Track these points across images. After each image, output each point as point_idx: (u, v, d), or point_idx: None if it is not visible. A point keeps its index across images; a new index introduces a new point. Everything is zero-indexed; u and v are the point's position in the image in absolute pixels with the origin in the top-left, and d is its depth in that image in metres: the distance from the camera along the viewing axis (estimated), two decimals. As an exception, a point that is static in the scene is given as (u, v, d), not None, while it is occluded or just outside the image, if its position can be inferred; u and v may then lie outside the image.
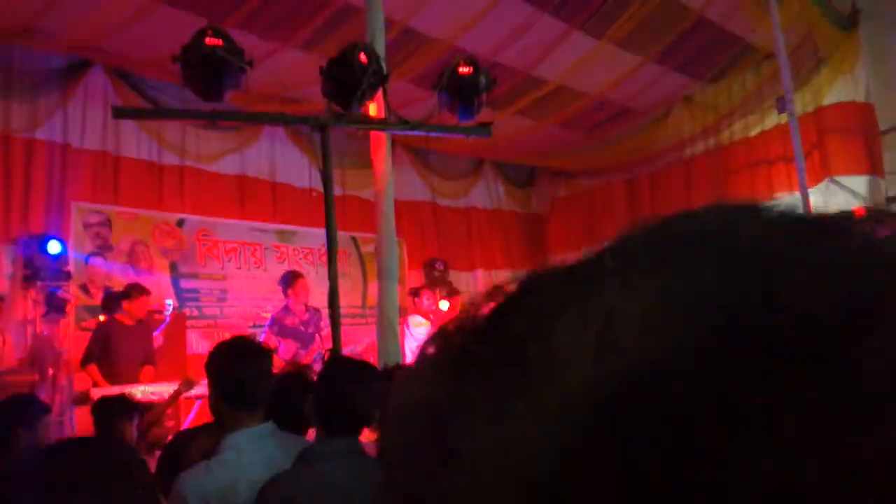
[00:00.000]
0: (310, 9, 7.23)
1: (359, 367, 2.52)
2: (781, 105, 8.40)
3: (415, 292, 8.46)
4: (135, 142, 8.35)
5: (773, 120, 10.00)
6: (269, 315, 7.57)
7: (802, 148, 8.98)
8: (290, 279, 7.40)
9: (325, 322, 7.48)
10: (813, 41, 9.08)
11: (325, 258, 9.38)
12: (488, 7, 7.61)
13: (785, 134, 9.06)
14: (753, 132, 10.74)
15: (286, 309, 7.34)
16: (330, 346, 4.80)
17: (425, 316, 8.06)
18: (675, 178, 11.63)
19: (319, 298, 6.37)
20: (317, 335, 7.29)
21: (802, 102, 9.66)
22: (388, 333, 3.77)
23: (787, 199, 9.92)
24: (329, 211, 3.30)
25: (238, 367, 2.44)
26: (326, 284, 7.25)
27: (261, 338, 7.19)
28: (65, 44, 7.41)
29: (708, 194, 11.17)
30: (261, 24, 7.28)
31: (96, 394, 5.84)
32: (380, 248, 4.06)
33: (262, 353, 2.56)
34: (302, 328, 7.28)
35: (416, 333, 7.75)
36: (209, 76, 3.12)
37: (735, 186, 10.94)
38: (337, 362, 2.69)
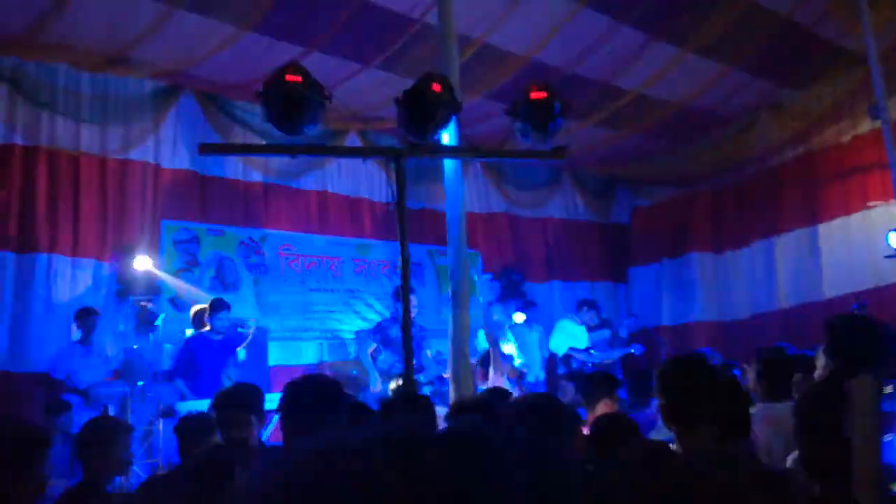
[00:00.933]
0: (391, 30, 7.36)
1: None
2: (874, 112, 8.05)
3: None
4: (221, 160, 8.67)
5: (867, 125, 9.58)
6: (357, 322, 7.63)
7: (899, 155, 8.59)
8: (398, 293, 7.43)
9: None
10: (908, 44, 8.66)
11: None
12: (566, 20, 7.57)
13: (879, 139, 8.68)
14: (845, 138, 10.32)
15: (393, 320, 7.41)
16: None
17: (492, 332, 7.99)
18: (763, 187, 11.28)
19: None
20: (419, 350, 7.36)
21: (896, 107, 9.23)
22: (460, 359, 3.80)
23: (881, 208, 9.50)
24: (403, 239, 3.36)
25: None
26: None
27: (361, 341, 7.39)
28: (157, 70, 7.78)
29: (797, 203, 10.79)
30: (343, 46, 7.46)
31: (183, 407, 6.10)
32: (453, 273, 4.10)
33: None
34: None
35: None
36: (290, 112, 3.23)
37: (826, 196, 10.54)
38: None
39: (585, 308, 9.85)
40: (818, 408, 1.84)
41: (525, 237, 11.83)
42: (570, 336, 9.53)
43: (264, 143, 7.01)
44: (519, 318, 9.43)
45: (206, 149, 4.71)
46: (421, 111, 3.41)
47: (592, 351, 9.48)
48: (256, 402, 3.12)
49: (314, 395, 2.67)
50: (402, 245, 3.47)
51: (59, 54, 7.25)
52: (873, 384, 1.01)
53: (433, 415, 2.89)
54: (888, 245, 8.88)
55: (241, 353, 7.21)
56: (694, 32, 8.01)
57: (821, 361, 3.22)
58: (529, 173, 11.75)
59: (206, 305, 7.23)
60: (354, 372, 8.19)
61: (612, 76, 8.68)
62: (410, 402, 3.01)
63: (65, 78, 7.59)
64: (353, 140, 9.49)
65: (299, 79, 3.20)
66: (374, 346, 7.48)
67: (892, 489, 1.01)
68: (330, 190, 9.67)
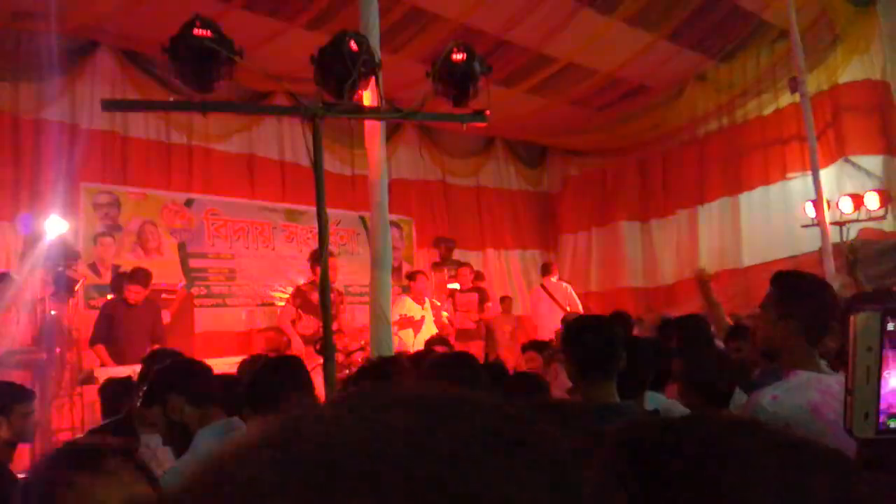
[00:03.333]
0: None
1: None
2: (794, 85, 8.28)
3: (410, 276, 8.43)
4: (143, 121, 8.37)
5: (787, 98, 9.84)
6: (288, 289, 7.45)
7: (817, 127, 8.86)
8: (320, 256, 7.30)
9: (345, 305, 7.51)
10: (828, 19, 8.91)
11: (337, 238, 9.46)
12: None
13: (800, 112, 8.93)
14: (767, 111, 10.58)
15: (313, 284, 7.28)
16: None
17: (418, 299, 8.04)
18: (688, 157, 11.52)
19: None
20: (338, 316, 7.28)
21: (817, 81, 9.50)
22: (381, 323, 3.79)
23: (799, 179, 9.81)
24: (320, 202, 3.30)
25: None
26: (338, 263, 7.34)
27: (284, 312, 7.27)
28: (70, 25, 7.42)
29: (720, 173, 11.06)
30: (266, 4, 7.25)
31: (102, 373, 5.93)
32: (373, 236, 4.06)
33: None
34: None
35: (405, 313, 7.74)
36: (198, 68, 3.12)
37: (748, 165, 10.82)
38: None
39: None
40: None
41: (459, 205, 11.84)
42: None
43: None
44: (454, 285, 9.48)
45: (109, 105, 4.51)
46: (336, 69, 3.33)
47: None
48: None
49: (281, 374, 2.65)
50: (319, 206, 3.41)
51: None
52: (876, 317, 1.04)
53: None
54: (805, 215, 9.18)
55: (165, 316, 7.01)
56: (622, 2, 8.06)
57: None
58: (463, 142, 11.75)
59: (127, 272, 7.01)
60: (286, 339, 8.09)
61: (541, 44, 8.67)
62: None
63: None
64: (281, 103, 9.28)
65: (208, 33, 3.08)
66: (295, 310, 7.37)
67: (890, 424, 1.04)
68: (258, 153, 9.46)
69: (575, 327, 2.69)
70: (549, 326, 9.06)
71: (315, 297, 6.77)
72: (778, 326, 2.25)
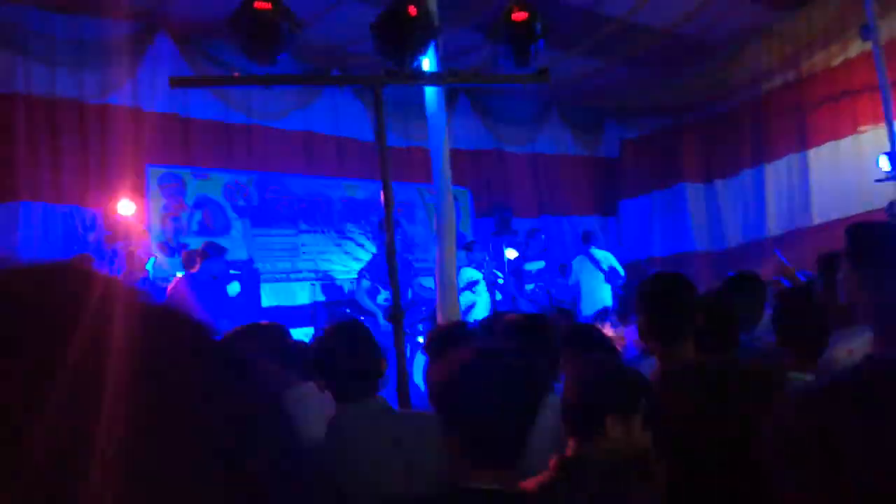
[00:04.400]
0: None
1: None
2: (865, 32, 7.91)
3: (468, 246, 8.43)
4: (202, 102, 8.52)
5: (857, 47, 9.42)
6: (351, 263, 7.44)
7: (891, 76, 8.48)
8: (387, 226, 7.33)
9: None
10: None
11: (394, 211, 9.52)
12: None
13: (871, 61, 8.56)
14: (835, 62, 10.15)
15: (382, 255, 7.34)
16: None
17: (479, 267, 8.06)
18: (752, 114, 11.16)
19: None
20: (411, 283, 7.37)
21: (890, 28, 9.06)
22: (447, 290, 3.80)
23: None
24: (385, 172, 3.31)
25: None
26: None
27: (358, 287, 7.37)
28: (129, 11, 7.56)
29: (787, 130, 10.69)
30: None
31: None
32: (438, 208, 4.06)
33: None
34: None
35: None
36: (260, 40, 3.14)
37: (816, 121, 10.43)
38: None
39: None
40: None
41: (514, 173, 11.75)
42: None
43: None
44: (511, 253, 9.44)
45: (177, 82, 4.60)
46: (396, 35, 3.31)
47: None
48: None
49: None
50: (384, 175, 3.41)
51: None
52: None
53: None
54: (878, 168, 8.83)
55: (235, 286, 7.15)
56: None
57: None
58: (517, 109, 11.60)
59: (197, 249, 7.17)
60: (347, 311, 8.21)
61: (595, 3, 8.46)
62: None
63: (36, 21, 7.37)
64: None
65: (268, 6, 3.09)
66: (369, 284, 7.46)
67: None
68: (315, 130, 9.54)
69: (648, 286, 2.64)
70: (596, 295, 9.03)
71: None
72: (852, 279, 2.17)
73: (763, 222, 10.91)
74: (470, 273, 7.88)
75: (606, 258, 9.51)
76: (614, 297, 9.26)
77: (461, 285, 7.60)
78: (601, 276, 9.28)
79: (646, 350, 3.05)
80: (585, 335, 3.08)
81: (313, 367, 2.65)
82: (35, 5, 7.25)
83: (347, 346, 2.50)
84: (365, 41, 6.91)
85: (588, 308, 8.97)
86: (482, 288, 7.99)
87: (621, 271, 9.47)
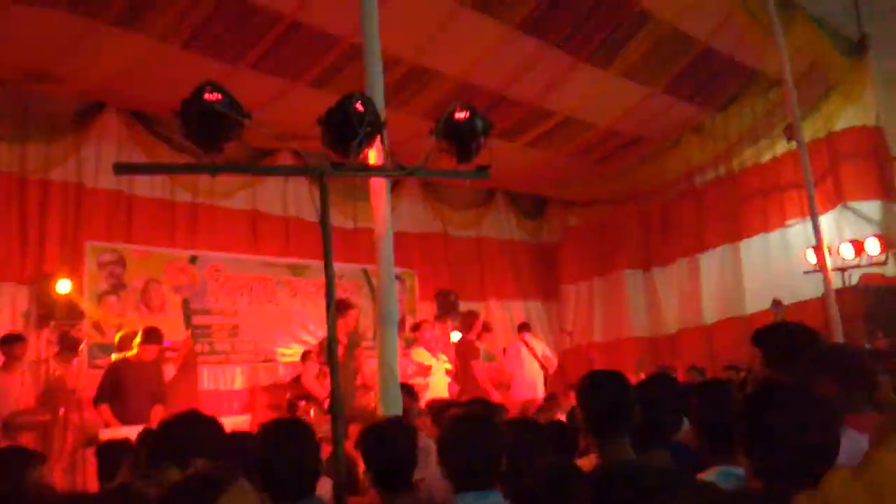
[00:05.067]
0: (319, 49, 7.33)
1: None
2: (790, 132, 8.38)
3: (415, 327, 8.43)
4: (148, 180, 8.46)
5: (784, 146, 9.95)
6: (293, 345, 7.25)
7: (815, 173, 8.93)
8: (342, 308, 7.23)
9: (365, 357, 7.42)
10: (821, 68, 9.08)
11: (340, 292, 9.46)
12: (495, 43, 7.69)
13: (797, 160, 9.01)
14: (764, 158, 10.70)
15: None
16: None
17: (429, 348, 8.03)
18: (687, 206, 11.61)
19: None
20: (360, 370, 7.21)
21: (813, 128, 9.64)
22: (389, 378, 3.77)
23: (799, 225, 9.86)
24: (328, 259, 3.32)
25: None
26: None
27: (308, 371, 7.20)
28: (78, 87, 7.57)
29: (720, 221, 11.12)
30: (272, 64, 7.40)
31: (107, 434, 5.87)
32: (380, 292, 4.07)
33: None
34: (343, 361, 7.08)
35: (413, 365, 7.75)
36: (209, 130, 3.17)
37: (747, 213, 10.89)
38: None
39: None
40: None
41: (460, 257, 11.89)
42: None
43: (187, 161, 6.87)
44: (455, 336, 9.46)
45: (121, 169, 4.57)
46: (343, 130, 3.38)
47: None
48: None
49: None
50: (327, 264, 3.42)
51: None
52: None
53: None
54: (806, 261, 9.20)
55: (170, 369, 6.95)
56: (618, 55, 8.23)
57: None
58: (464, 194, 11.86)
59: (136, 330, 6.96)
60: (288, 396, 8.04)
61: (539, 98, 8.83)
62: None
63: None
64: (285, 159, 9.38)
65: (218, 97, 3.14)
66: (317, 367, 7.34)
67: None
68: (262, 209, 9.54)
69: (587, 384, 2.67)
70: (526, 381, 9.16)
71: (341, 351, 6.70)
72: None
73: (699, 310, 11.20)
74: (422, 356, 7.83)
75: (541, 346, 9.69)
76: (546, 383, 9.42)
77: (411, 370, 7.56)
78: (535, 363, 9.43)
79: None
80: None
81: (251, 467, 2.59)
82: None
83: (285, 446, 2.47)
84: (315, 125, 7.04)
85: (519, 393, 9.09)
86: (438, 369, 7.95)
87: (554, 360, 9.66)
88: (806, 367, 2.26)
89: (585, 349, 12.00)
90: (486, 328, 9.78)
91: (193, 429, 2.69)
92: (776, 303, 9.18)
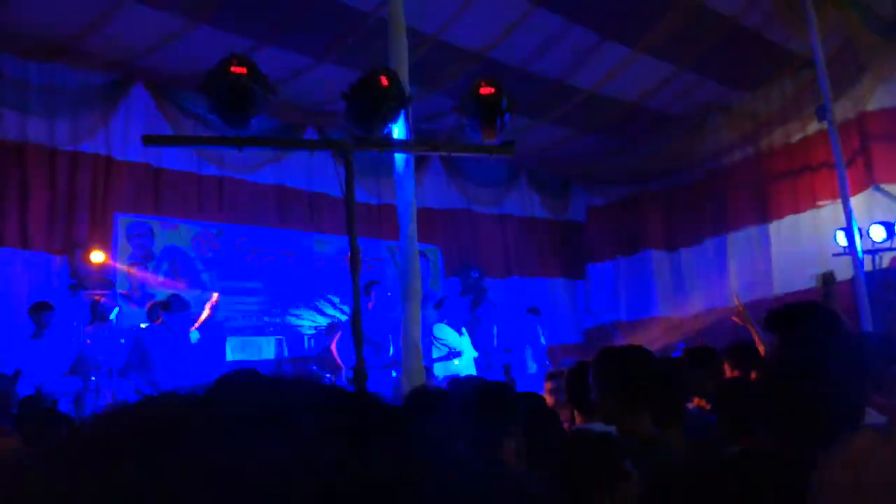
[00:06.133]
0: (346, 24, 7.35)
1: None
2: (821, 113, 8.25)
3: (439, 304, 8.49)
4: (175, 153, 8.58)
5: (815, 126, 9.81)
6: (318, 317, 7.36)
7: (846, 155, 8.81)
8: (367, 286, 7.32)
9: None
10: (854, 48, 8.90)
11: (363, 268, 9.54)
12: (520, 19, 7.65)
13: (828, 140, 8.89)
14: (794, 139, 10.55)
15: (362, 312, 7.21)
16: None
17: (453, 325, 8.09)
18: (715, 187, 11.49)
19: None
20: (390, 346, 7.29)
21: (844, 109, 9.47)
22: (412, 353, 3.83)
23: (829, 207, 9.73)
24: (352, 234, 3.39)
25: None
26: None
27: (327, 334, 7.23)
28: (107, 61, 7.68)
29: (749, 202, 11.01)
30: (297, 40, 7.43)
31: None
32: (404, 268, 4.13)
33: None
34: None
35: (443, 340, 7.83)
36: (234, 104, 3.23)
37: (776, 194, 10.77)
38: None
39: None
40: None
41: (484, 233, 11.92)
42: None
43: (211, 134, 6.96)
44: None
45: (150, 140, 4.66)
46: (368, 105, 3.44)
47: None
48: None
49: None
50: (352, 238, 3.49)
51: (4, 43, 7.11)
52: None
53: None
54: (836, 243, 9.10)
55: (195, 334, 7.07)
56: (645, 33, 8.15)
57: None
58: (488, 171, 11.84)
59: (162, 300, 7.13)
60: (314, 367, 8.17)
61: (565, 75, 8.79)
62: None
63: (11, 68, 7.44)
64: (310, 135, 9.47)
65: (244, 70, 3.20)
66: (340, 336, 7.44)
67: None
68: (287, 184, 9.63)
69: (615, 359, 2.66)
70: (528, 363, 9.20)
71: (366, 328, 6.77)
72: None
73: (725, 291, 11.14)
74: (446, 332, 7.90)
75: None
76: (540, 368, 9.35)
77: (436, 348, 7.65)
78: (541, 347, 9.45)
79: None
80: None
81: None
82: (10, 52, 7.32)
83: None
84: (339, 101, 7.09)
85: (522, 371, 9.13)
86: (466, 346, 8.03)
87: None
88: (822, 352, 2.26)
89: (611, 328, 11.98)
90: None
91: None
92: (827, 278, 8.87)
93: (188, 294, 7.57)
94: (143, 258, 8.13)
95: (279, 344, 9.08)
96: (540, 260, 12.50)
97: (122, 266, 7.93)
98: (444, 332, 7.97)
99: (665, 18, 7.84)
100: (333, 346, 7.67)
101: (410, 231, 4.33)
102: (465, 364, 7.88)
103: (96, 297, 7.40)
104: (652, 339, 10.96)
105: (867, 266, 8.54)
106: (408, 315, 4.16)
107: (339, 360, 7.44)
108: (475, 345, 8.47)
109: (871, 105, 9.60)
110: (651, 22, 7.94)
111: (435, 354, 7.77)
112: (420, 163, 10.10)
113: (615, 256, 12.64)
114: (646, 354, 2.68)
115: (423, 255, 10.18)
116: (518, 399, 2.93)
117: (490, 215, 12.08)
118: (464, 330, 8.21)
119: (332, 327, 8.21)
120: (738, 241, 11.20)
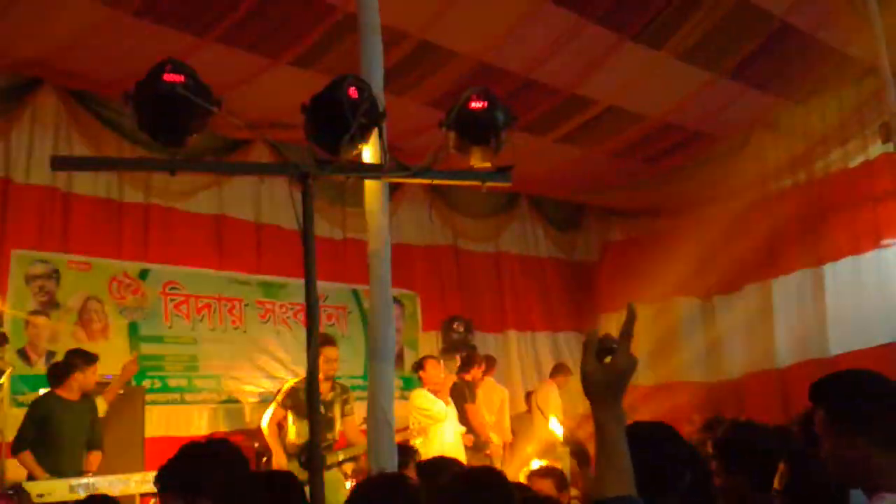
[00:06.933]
0: (306, 20, 7.41)
1: None
2: (885, 132, 8.38)
3: (418, 366, 8.43)
4: (90, 176, 8.54)
5: (879, 148, 9.95)
6: (286, 385, 7.25)
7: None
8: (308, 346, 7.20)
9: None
10: (926, 53, 9.08)
11: (323, 317, 9.50)
12: (522, 16, 7.74)
13: (894, 165, 9.02)
14: (854, 162, 10.69)
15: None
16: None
17: (435, 390, 8.05)
18: (758, 219, 11.58)
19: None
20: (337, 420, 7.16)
21: (914, 127, 9.62)
22: (382, 428, 3.79)
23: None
24: (310, 278, 3.37)
25: None
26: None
27: (267, 414, 7.16)
28: (9, 60, 7.67)
29: (798, 239, 11.10)
30: (248, 37, 7.47)
31: (34, 489, 5.90)
32: (373, 320, 4.10)
33: None
34: (322, 410, 6.90)
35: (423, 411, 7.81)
36: (168, 119, 3.22)
37: (833, 230, 10.86)
38: None
39: None
40: None
41: (474, 276, 11.91)
42: None
43: (139, 154, 6.93)
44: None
45: (61, 164, 4.64)
46: (332, 121, 3.42)
47: None
48: None
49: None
50: (309, 283, 3.47)
51: None
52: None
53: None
54: (905, 291, 9.19)
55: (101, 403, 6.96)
56: (674, 34, 8.26)
57: None
58: (480, 200, 11.87)
59: (68, 359, 7.02)
60: (256, 445, 8.06)
61: (576, 83, 8.87)
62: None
63: None
64: (262, 154, 9.44)
65: (180, 78, 3.19)
66: (283, 413, 7.33)
67: None
68: (230, 214, 9.60)
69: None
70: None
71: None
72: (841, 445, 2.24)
73: (770, 350, 11.17)
74: (426, 402, 7.85)
75: None
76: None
77: (416, 421, 7.61)
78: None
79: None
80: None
81: None
82: None
83: None
84: (298, 112, 7.11)
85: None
86: (451, 419, 8.00)
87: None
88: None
89: (630, 394, 11.94)
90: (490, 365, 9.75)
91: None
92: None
93: (101, 351, 7.48)
94: (44, 305, 8.04)
95: (212, 414, 8.97)
96: (543, 309, 12.50)
97: (17, 314, 7.84)
98: (425, 402, 7.92)
99: (699, 16, 7.97)
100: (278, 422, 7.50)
101: (383, 273, 4.31)
102: (450, 441, 7.82)
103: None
104: (677, 407, 10.97)
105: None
106: (378, 378, 4.12)
107: (267, 440, 7.20)
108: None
109: (948, 123, 9.77)
110: (682, 20, 8.07)
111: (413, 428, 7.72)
112: (397, 188, 10.14)
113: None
114: (664, 433, 2.72)
115: (398, 302, 10.16)
116: (511, 490, 2.91)
117: (482, 253, 12.09)
118: (449, 399, 8.17)
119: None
120: (785, 288, 11.27)
